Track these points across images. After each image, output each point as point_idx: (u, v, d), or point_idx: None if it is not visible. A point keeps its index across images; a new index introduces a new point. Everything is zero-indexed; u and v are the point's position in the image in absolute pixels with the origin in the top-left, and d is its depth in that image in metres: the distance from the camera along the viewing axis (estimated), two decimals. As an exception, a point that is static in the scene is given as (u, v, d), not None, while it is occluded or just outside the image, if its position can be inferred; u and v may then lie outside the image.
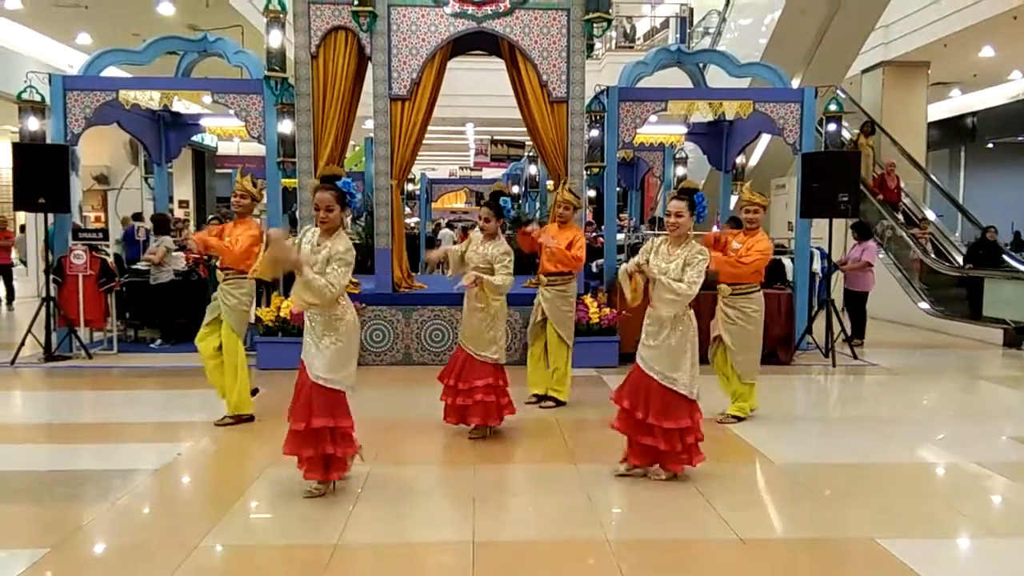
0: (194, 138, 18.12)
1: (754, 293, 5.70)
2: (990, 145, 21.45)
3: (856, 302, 9.58)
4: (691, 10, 19.74)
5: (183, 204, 20.85)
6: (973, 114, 20.28)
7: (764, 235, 5.76)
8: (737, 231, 5.91)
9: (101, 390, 6.99)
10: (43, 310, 8.02)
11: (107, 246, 8.60)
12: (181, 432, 5.48)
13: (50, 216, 8.19)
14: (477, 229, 5.44)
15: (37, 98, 8.22)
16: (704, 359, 5.11)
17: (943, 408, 6.84)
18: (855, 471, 4.75)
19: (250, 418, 5.72)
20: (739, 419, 5.74)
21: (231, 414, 5.66)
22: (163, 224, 9.36)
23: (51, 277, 8.11)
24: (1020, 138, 20.76)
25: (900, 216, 13.60)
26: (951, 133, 20.94)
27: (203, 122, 11.14)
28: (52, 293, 8.07)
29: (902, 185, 13.84)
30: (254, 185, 5.66)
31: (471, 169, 26.09)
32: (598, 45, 17.40)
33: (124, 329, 9.11)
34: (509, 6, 7.78)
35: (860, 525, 3.84)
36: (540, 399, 6.27)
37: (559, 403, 6.20)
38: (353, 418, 4.22)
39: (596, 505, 4.09)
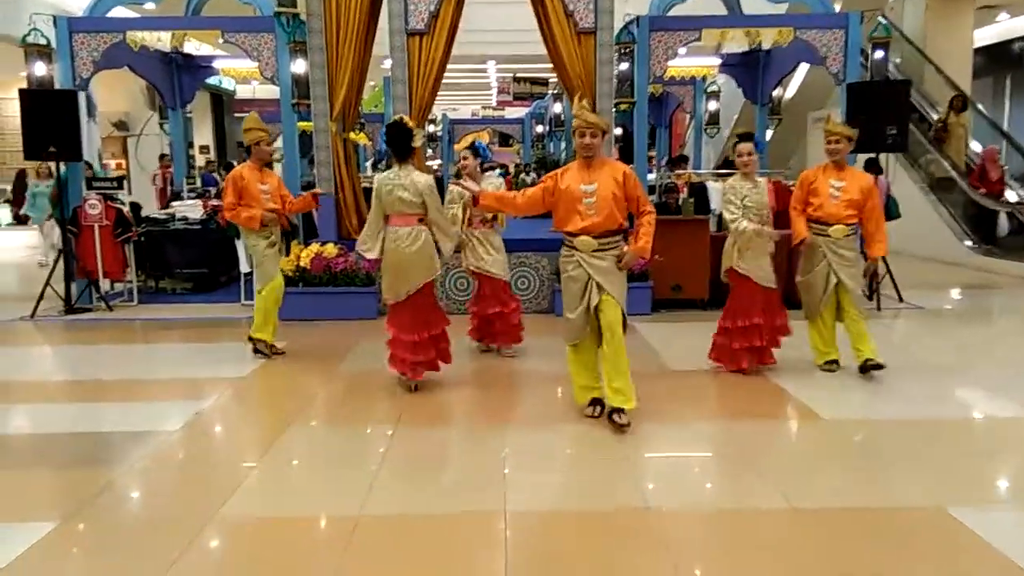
0: (212, 81, 17.86)
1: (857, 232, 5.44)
2: (1036, 72, 20.40)
3: None
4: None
5: (204, 149, 20.60)
6: (1021, 39, 19.19)
7: (860, 171, 5.60)
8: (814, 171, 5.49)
9: (121, 344, 6.82)
10: (60, 262, 7.86)
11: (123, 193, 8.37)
12: (202, 388, 5.28)
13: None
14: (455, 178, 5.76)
15: (43, 42, 7.89)
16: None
17: (1001, 355, 6.34)
18: (912, 428, 4.42)
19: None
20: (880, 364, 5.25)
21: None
22: None
23: (67, 228, 7.91)
24: (1071, 64, 19.73)
25: (1003, 215, 11.18)
26: (996, 60, 19.88)
27: (216, 64, 10.80)
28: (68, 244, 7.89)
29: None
30: None
31: (494, 108, 25.47)
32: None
33: (144, 280, 8.94)
34: (532, -70, 7.26)
35: (926, 491, 3.54)
36: (602, 409, 4.53)
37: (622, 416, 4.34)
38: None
39: (637, 471, 3.85)
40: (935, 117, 13.20)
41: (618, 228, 4.33)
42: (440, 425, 4.60)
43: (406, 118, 5.14)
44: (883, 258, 8.08)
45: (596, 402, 4.54)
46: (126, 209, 8.19)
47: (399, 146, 4.90)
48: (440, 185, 5.54)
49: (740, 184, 5.29)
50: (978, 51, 17.34)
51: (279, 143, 9.68)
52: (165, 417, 4.63)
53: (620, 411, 4.28)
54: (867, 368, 5.20)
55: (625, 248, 4.34)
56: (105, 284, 8.35)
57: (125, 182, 13.86)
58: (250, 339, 5.99)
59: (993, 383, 5.38)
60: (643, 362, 5.83)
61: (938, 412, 4.75)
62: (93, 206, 7.86)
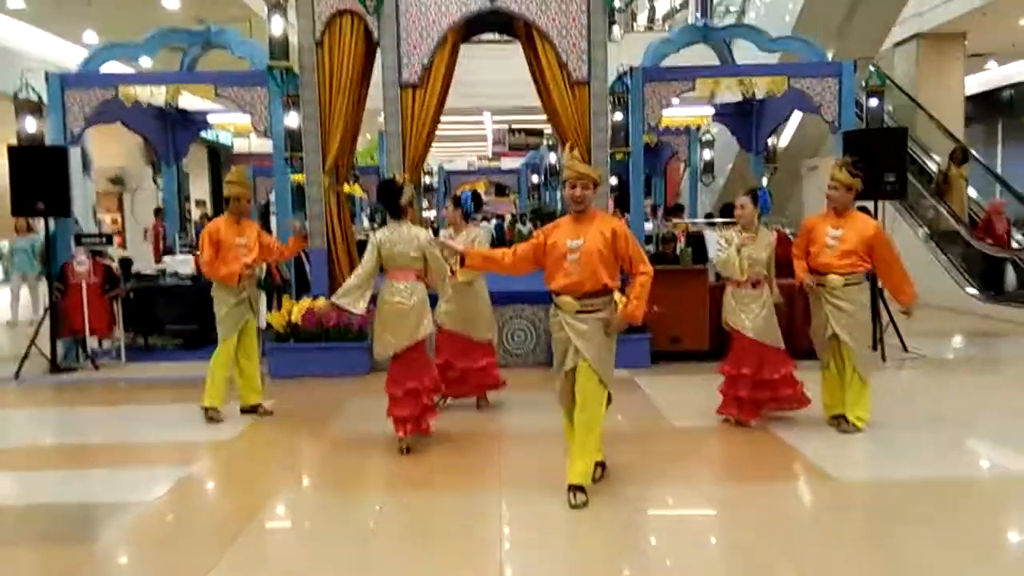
0: (209, 136, 17.91)
1: (864, 282, 5.15)
2: (1027, 118, 20.63)
3: None
4: (711, -12, 19.09)
5: (200, 204, 20.60)
6: (1011, 87, 19.43)
7: (865, 218, 5.19)
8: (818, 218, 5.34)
9: (105, 405, 6.59)
10: (46, 320, 7.68)
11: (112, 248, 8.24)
12: (186, 453, 5.07)
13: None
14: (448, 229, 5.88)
15: (34, 98, 7.85)
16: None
17: (1013, 406, 6.08)
18: (927, 488, 4.21)
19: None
20: (857, 428, 5.07)
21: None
22: None
23: (54, 285, 7.75)
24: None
25: (1010, 268, 10.99)
26: (987, 107, 20.09)
27: (211, 118, 10.76)
28: (55, 301, 7.70)
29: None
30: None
31: (490, 159, 25.63)
32: (616, 30, 16.82)
33: (133, 337, 8.75)
34: (525, -17, 7.28)
35: (947, 560, 3.32)
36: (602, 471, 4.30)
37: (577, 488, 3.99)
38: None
39: (640, 542, 3.64)
40: (930, 164, 13.20)
41: (603, 289, 3.94)
42: (433, 491, 4.38)
43: (398, 175, 5.20)
44: (885, 306, 7.96)
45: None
46: (115, 265, 8.05)
47: (390, 203, 4.97)
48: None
49: (732, 235, 5.32)
50: (969, 98, 17.55)
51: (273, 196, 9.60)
52: (145, 486, 4.40)
53: (579, 489, 3.91)
54: (842, 427, 5.09)
55: (616, 309, 4.02)
56: (92, 341, 8.16)
57: (119, 237, 13.76)
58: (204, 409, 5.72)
59: (1007, 438, 5.19)
60: (644, 419, 5.65)
61: (953, 471, 4.55)
62: (81, 263, 7.71)
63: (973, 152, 14.25)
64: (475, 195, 5.98)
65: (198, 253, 5.78)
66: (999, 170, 19.92)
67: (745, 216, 5.27)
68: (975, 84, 19.18)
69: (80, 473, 4.77)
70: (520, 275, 4.31)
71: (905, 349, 7.90)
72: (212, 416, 5.69)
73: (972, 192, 13.04)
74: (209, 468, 4.89)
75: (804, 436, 5.05)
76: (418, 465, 4.71)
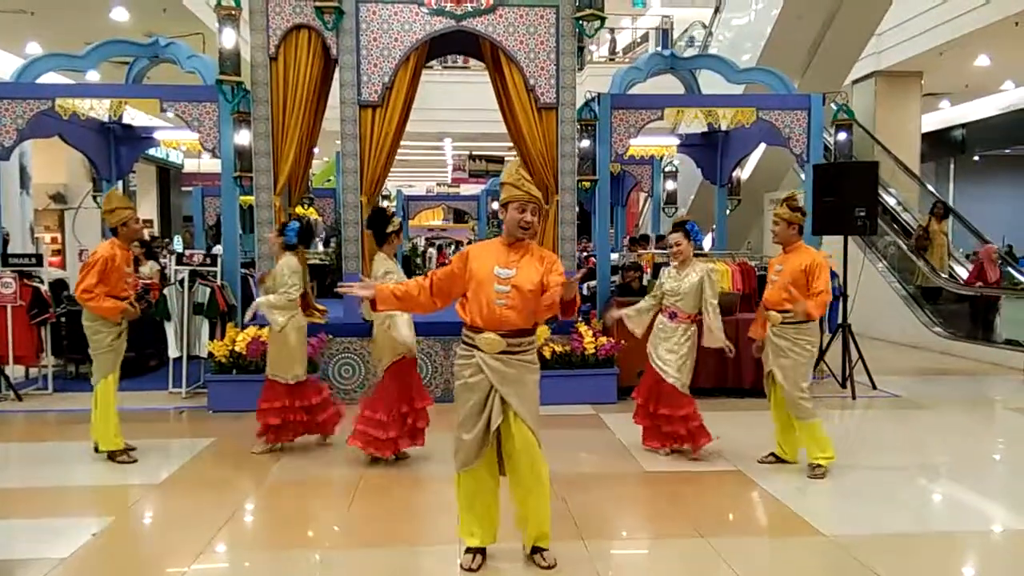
0: (159, 155, 17.30)
1: (809, 323, 4.89)
2: (976, 158, 21.08)
3: None
4: (672, 23, 19.22)
5: (147, 223, 19.86)
6: (963, 126, 19.85)
7: (808, 250, 4.99)
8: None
9: (28, 441, 6.05)
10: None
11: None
12: (109, 498, 4.61)
13: None
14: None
15: (-40, 108, 7.30)
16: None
17: (994, 450, 5.97)
18: (931, 545, 3.92)
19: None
20: (822, 468, 4.87)
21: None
22: None
23: (-25, 309, 7.16)
24: (1008, 151, 20.40)
25: (999, 316, 10.54)
26: (940, 145, 20.50)
27: (157, 135, 10.26)
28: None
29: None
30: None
31: (449, 185, 25.34)
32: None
33: (64, 365, 8.15)
34: (492, 3, 7.00)
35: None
36: (483, 560, 3.59)
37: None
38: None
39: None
40: (887, 199, 13.24)
41: (534, 327, 3.47)
42: (379, 546, 3.95)
43: (389, 206, 5.10)
44: (855, 343, 7.78)
45: (478, 552, 3.57)
46: (44, 288, 7.47)
47: (377, 231, 5.01)
48: (407, 261, 5.34)
49: (666, 271, 5.31)
50: (924, 136, 17.85)
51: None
52: (61, 538, 3.89)
53: (542, 551, 3.54)
54: (809, 473, 4.89)
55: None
56: (18, 370, 7.56)
57: (59, 257, 13.06)
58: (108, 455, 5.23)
59: (988, 485, 4.99)
60: (612, 461, 5.31)
61: (951, 524, 4.30)
62: (6, 285, 7.13)
63: (930, 187, 14.42)
64: (304, 229, 5.43)
65: (79, 280, 5.06)
66: (951, 204, 20.30)
67: (683, 252, 5.17)
68: (930, 123, 19.55)
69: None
70: (438, 311, 3.65)
71: (874, 387, 7.73)
72: (124, 459, 5.21)
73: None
74: (135, 516, 4.39)
75: (782, 483, 4.76)
76: (364, 516, 4.29)
